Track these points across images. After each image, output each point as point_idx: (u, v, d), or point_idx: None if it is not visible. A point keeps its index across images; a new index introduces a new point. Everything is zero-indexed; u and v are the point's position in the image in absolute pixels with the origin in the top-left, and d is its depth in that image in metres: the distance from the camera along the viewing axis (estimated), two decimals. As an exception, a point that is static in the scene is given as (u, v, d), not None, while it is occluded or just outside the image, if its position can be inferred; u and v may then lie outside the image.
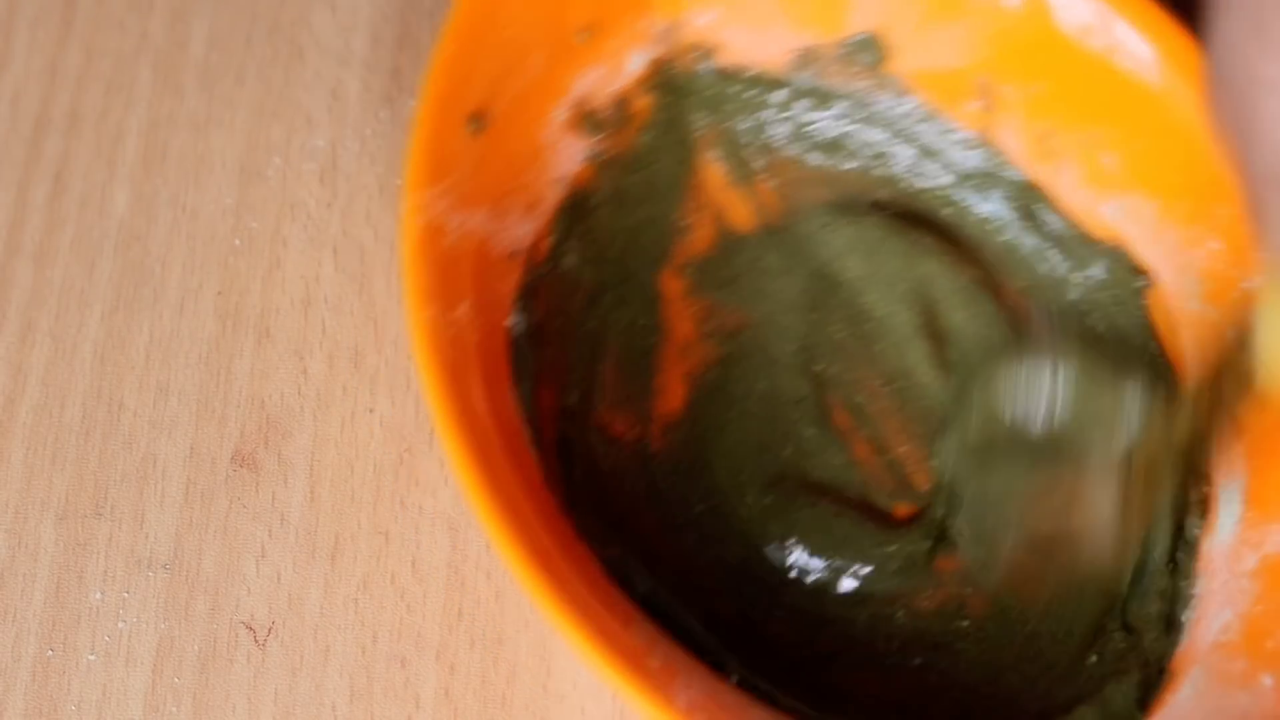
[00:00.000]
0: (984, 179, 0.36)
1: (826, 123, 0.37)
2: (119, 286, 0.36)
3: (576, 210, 0.34)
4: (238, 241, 0.37)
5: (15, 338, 0.36)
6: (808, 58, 0.36)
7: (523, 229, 0.32)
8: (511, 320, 0.31)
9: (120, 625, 0.33)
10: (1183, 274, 0.33)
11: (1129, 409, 0.29)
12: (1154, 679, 0.30)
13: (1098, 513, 0.29)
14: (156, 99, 0.39)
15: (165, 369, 0.35)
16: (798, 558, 0.33)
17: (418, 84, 0.39)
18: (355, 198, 0.38)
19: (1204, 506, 0.32)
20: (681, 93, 0.36)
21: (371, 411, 0.35)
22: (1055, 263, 0.36)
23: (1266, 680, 0.28)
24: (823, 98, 0.37)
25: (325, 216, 0.37)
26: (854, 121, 0.37)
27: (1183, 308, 0.33)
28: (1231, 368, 0.28)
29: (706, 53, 0.36)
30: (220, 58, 0.39)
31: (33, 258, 0.37)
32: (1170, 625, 0.31)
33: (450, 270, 0.29)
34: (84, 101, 0.39)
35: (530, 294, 0.32)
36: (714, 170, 0.37)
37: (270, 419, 0.35)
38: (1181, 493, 0.32)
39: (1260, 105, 0.22)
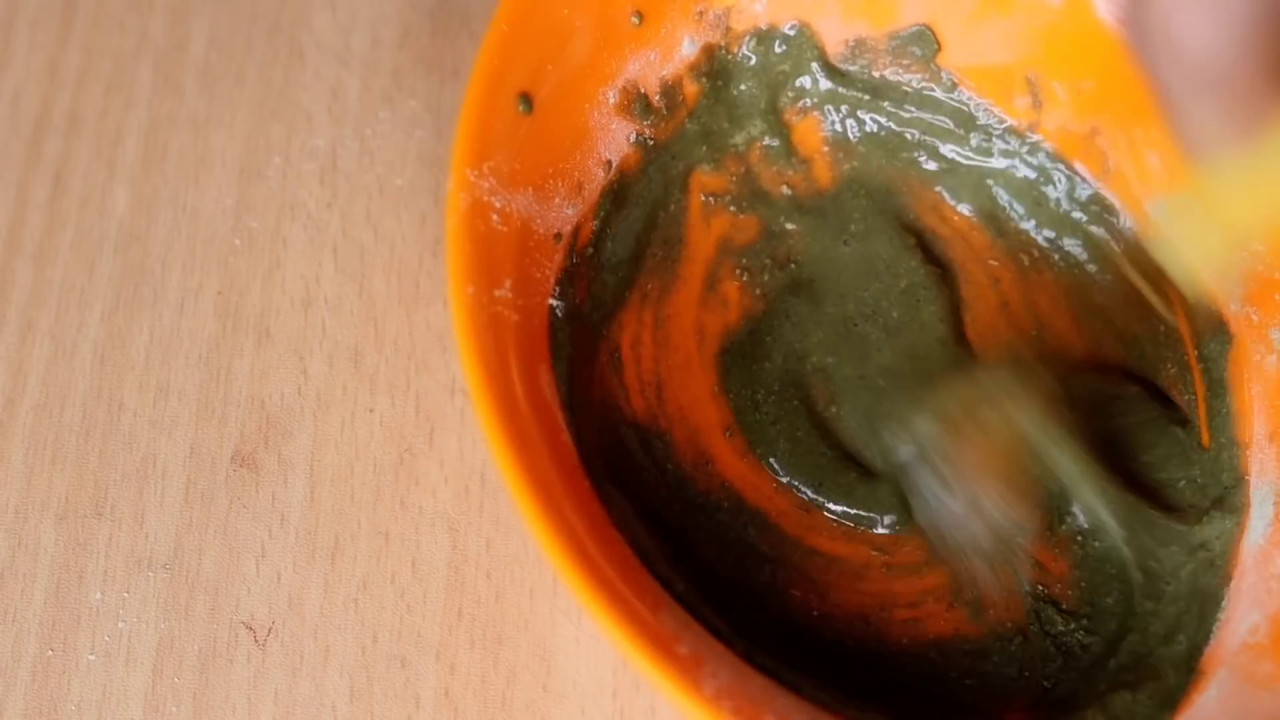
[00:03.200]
0: (1035, 179, 0.36)
1: (875, 114, 0.37)
2: (119, 286, 0.36)
3: (621, 194, 0.34)
4: (238, 241, 0.37)
5: (15, 338, 0.36)
6: (860, 48, 0.36)
7: (567, 211, 0.32)
8: (552, 302, 0.31)
9: (120, 625, 0.33)
10: (1225, 275, 0.33)
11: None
12: (1181, 680, 0.30)
13: None
14: (156, 99, 0.39)
15: (165, 369, 0.35)
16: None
17: (418, 84, 0.39)
18: (355, 198, 0.38)
19: (1238, 507, 0.32)
20: (732, 79, 0.36)
21: (371, 411, 0.35)
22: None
23: None
24: (873, 89, 0.37)
25: (325, 216, 0.37)
26: (902, 113, 0.37)
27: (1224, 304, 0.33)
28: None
29: (759, 40, 0.36)
30: (220, 58, 0.39)
31: (33, 258, 0.37)
32: (1199, 632, 0.31)
33: (493, 250, 0.29)
34: (84, 101, 0.39)
35: (572, 277, 0.32)
36: (761, 158, 0.37)
37: (270, 419, 0.35)
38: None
39: (1175, 12, 0.23)
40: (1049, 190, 0.36)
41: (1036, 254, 0.36)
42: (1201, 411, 0.33)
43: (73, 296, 0.36)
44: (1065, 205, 0.36)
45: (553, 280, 0.32)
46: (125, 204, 0.37)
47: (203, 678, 0.32)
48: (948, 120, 0.36)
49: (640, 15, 0.34)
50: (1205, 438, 0.33)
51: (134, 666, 0.32)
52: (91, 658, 0.32)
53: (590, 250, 0.33)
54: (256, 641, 0.32)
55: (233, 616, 0.33)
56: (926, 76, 0.36)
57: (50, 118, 0.39)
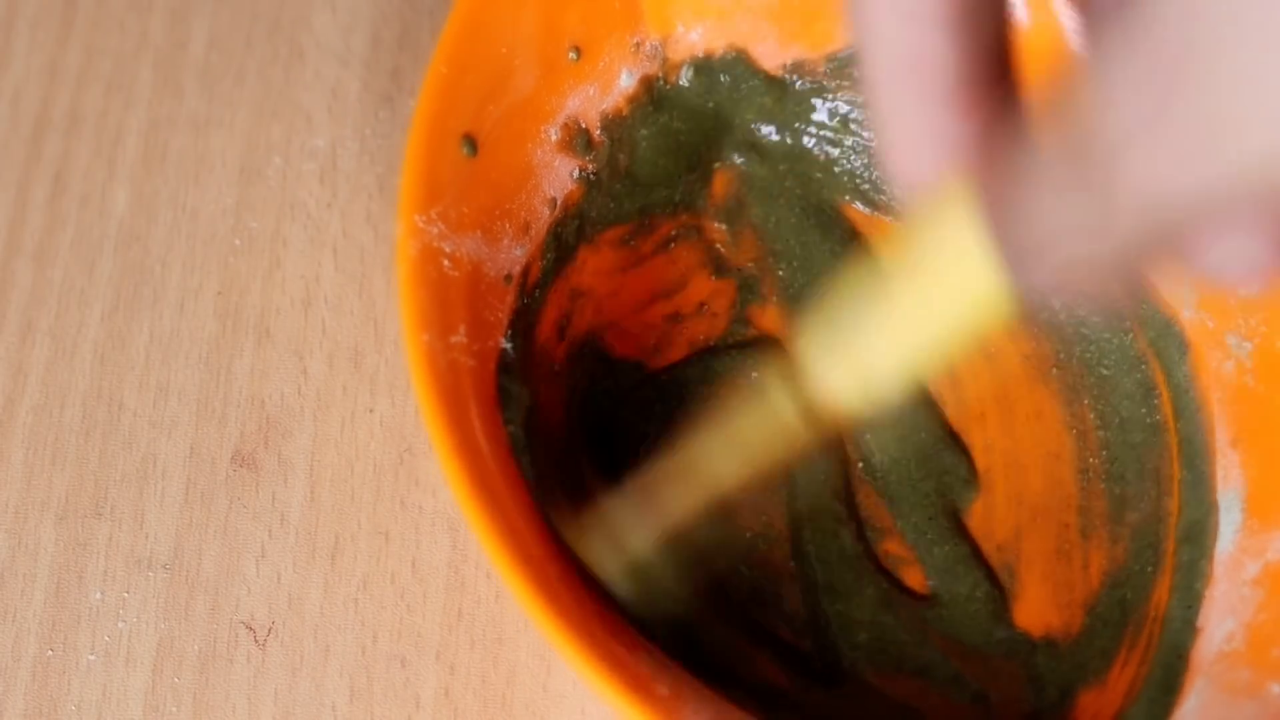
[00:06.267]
0: None
1: (813, 137, 0.37)
2: (119, 286, 0.36)
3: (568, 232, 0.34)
4: (238, 241, 0.37)
5: (15, 338, 0.36)
6: (798, 71, 0.36)
7: (516, 252, 0.32)
8: (505, 345, 0.31)
9: (120, 625, 0.33)
10: (1177, 281, 0.33)
11: None
12: (1171, 686, 0.30)
13: None
14: (156, 99, 0.39)
15: (165, 369, 0.35)
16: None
17: (418, 84, 0.39)
18: (355, 198, 0.38)
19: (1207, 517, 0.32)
20: (672, 109, 0.36)
21: (371, 411, 0.35)
22: None
23: (1275, 688, 0.28)
24: (805, 120, 0.37)
25: (325, 216, 0.37)
26: (842, 135, 0.37)
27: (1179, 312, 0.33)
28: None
29: (697, 69, 0.36)
30: (220, 58, 0.39)
31: (33, 258, 0.37)
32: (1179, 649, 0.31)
33: (445, 296, 0.29)
34: (84, 101, 0.39)
35: (523, 318, 0.32)
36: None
37: (270, 419, 0.35)
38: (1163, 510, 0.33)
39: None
40: None
41: None
42: (1173, 429, 0.33)
43: (73, 296, 0.36)
44: None
45: (505, 322, 0.31)
46: (125, 204, 0.37)
47: (203, 678, 0.32)
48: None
49: (578, 50, 0.34)
50: (1176, 469, 0.33)
51: (134, 666, 0.32)
52: (91, 658, 0.32)
53: (539, 290, 0.33)
54: (256, 641, 0.32)
55: (233, 616, 0.33)
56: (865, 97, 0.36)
57: (50, 118, 0.39)
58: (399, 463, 0.34)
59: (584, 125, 0.34)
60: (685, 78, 0.36)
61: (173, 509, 0.34)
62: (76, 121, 0.38)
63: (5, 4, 0.40)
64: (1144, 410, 0.34)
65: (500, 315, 0.31)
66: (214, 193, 0.38)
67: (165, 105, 0.39)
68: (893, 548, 0.33)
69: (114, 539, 0.34)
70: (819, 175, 0.37)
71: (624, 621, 0.27)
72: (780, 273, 0.36)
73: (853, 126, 0.36)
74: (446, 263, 0.29)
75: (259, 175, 0.38)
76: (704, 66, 0.36)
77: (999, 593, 0.33)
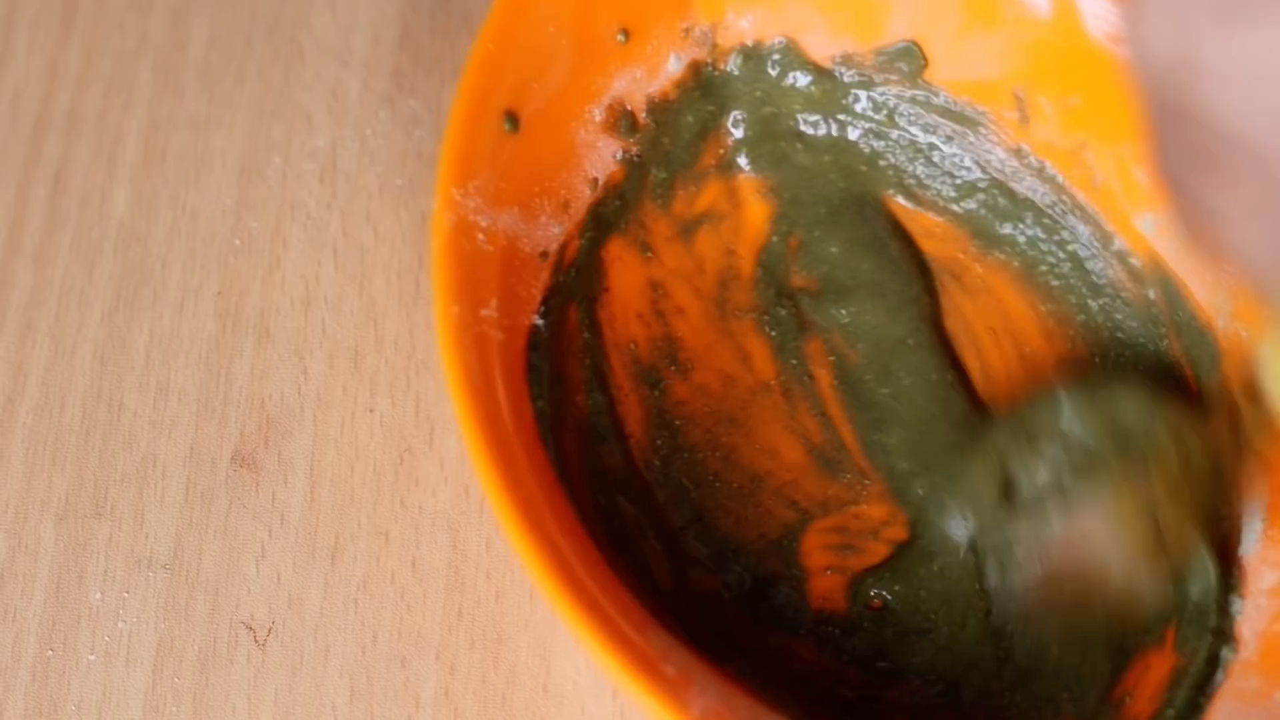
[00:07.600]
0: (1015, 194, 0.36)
1: (859, 129, 0.37)
2: (119, 286, 0.36)
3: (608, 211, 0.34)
4: (238, 241, 0.37)
5: (15, 338, 0.36)
6: (846, 64, 0.36)
7: (553, 230, 0.32)
8: (537, 321, 0.31)
9: (120, 625, 0.33)
10: (1214, 289, 0.33)
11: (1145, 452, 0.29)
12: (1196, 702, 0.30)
13: (1120, 554, 0.30)
14: (156, 99, 0.39)
15: (165, 369, 0.35)
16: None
17: (418, 84, 0.39)
18: (355, 198, 0.38)
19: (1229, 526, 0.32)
20: (720, 95, 0.36)
21: (371, 411, 0.35)
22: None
23: None
24: (850, 112, 0.37)
25: (325, 216, 0.37)
26: (888, 128, 0.37)
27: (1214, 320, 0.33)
28: (1249, 397, 0.28)
29: (746, 56, 0.36)
30: (220, 58, 0.39)
31: (33, 258, 0.37)
32: (1213, 656, 0.31)
33: (479, 269, 0.29)
34: (84, 101, 0.39)
35: (557, 295, 0.32)
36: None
37: (270, 419, 0.35)
38: (1219, 517, 0.32)
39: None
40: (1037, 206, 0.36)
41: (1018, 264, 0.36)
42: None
43: (73, 296, 0.36)
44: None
45: (539, 299, 0.31)
46: (125, 204, 0.37)
47: (203, 678, 0.32)
48: (931, 134, 0.36)
49: (626, 33, 0.34)
50: None
51: (134, 666, 0.32)
52: (91, 658, 0.32)
53: (575, 268, 0.33)
54: (256, 641, 0.32)
55: (233, 616, 0.33)
56: (914, 91, 0.36)
57: (50, 118, 0.39)
58: (399, 463, 0.34)
59: (629, 107, 0.34)
60: (734, 64, 0.36)
61: (173, 509, 0.34)
62: (76, 121, 0.38)
63: (5, 4, 0.40)
64: None
65: (534, 291, 0.31)
66: (214, 193, 0.38)
67: (165, 105, 0.39)
68: None
69: (114, 539, 0.34)
70: (863, 168, 0.37)
71: (633, 601, 0.28)
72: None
73: (899, 121, 0.36)
74: (481, 236, 0.29)
75: (259, 175, 0.38)
76: (753, 54, 0.36)
77: None
